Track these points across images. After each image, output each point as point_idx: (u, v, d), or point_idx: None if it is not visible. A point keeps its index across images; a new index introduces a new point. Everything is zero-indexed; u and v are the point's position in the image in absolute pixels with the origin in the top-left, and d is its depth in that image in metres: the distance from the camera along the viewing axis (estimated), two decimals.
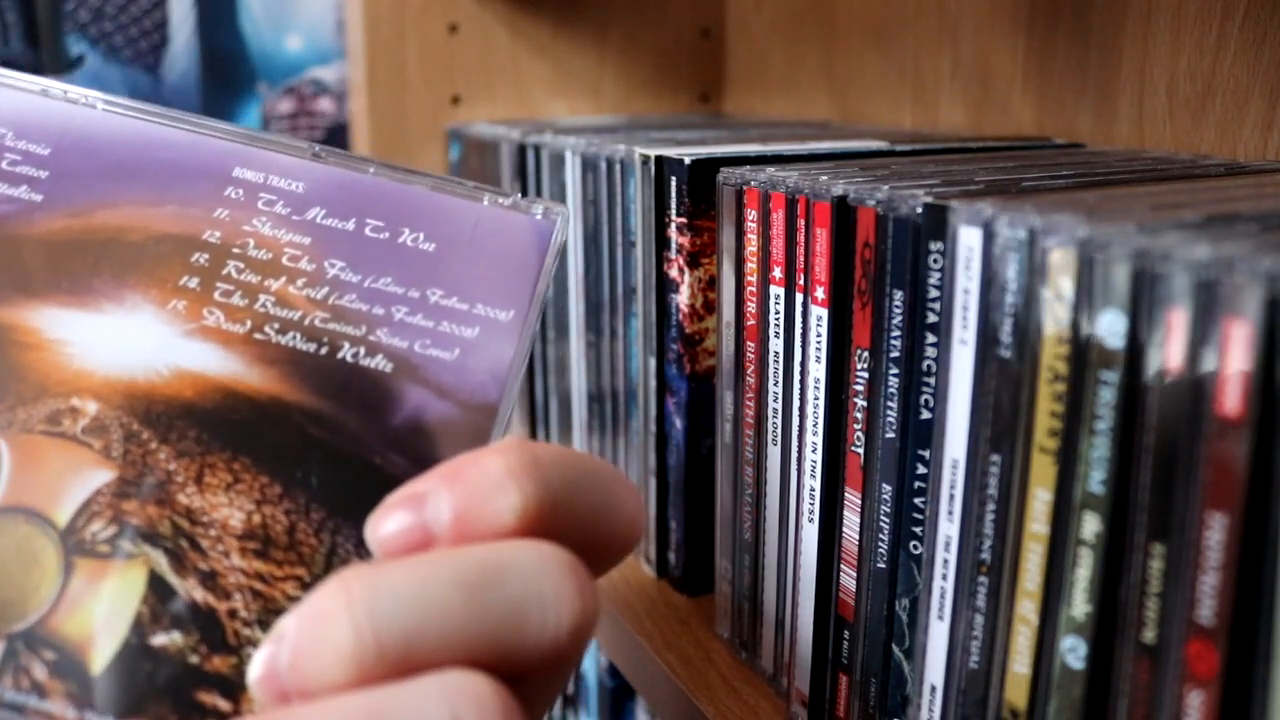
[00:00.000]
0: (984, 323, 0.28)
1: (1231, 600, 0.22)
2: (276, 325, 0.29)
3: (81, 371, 0.27)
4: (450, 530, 0.22)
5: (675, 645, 0.44)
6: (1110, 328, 0.24)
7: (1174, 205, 0.29)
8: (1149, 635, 0.24)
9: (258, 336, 0.28)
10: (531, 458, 0.23)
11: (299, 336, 0.29)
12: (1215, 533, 0.22)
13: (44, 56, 0.73)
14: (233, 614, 0.25)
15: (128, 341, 0.28)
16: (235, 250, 0.30)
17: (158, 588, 0.25)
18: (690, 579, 0.48)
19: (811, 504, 0.37)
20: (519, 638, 0.22)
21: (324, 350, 0.28)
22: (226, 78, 0.79)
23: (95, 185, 0.30)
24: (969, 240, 0.28)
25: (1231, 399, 0.22)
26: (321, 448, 0.27)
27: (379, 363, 0.28)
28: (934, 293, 0.30)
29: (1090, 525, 0.25)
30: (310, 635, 0.21)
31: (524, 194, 0.60)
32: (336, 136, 0.82)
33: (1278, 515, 0.21)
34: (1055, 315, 0.26)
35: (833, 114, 0.72)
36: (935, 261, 0.30)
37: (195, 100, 0.78)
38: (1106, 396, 0.24)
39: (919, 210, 0.31)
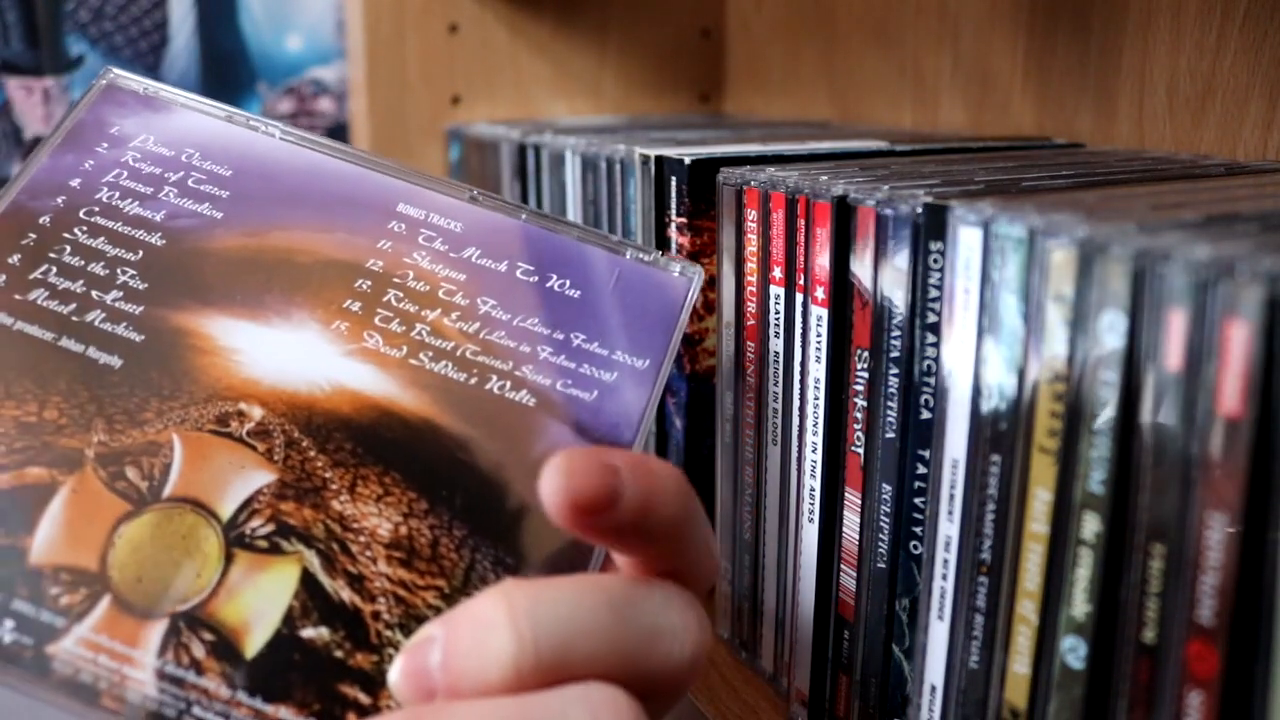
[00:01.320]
0: (984, 323, 0.28)
1: (1231, 600, 0.22)
2: (431, 353, 0.30)
3: (250, 379, 0.29)
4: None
5: None
6: (1110, 328, 0.24)
7: (1174, 205, 0.29)
8: (1149, 635, 0.24)
9: (413, 362, 0.30)
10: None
11: (451, 366, 0.30)
12: (1215, 533, 0.22)
13: (44, 56, 0.73)
14: (376, 616, 0.26)
15: (293, 355, 0.30)
16: (396, 280, 0.32)
17: (309, 585, 0.26)
18: None
19: (811, 504, 0.37)
20: (650, 660, 0.24)
21: (473, 381, 0.30)
22: (226, 78, 0.79)
23: (271, 208, 0.33)
24: (969, 240, 0.28)
25: (1231, 399, 0.22)
26: (467, 470, 0.29)
27: (523, 397, 0.30)
28: (934, 293, 0.30)
29: (1090, 525, 0.25)
30: (469, 638, 0.23)
31: (524, 199, 0.60)
32: (336, 136, 0.82)
33: (1278, 515, 0.21)
34: (1055, 315, 0.26)
35: (833, 114, 0.72)
36: (935, 261, 0.30)
37: None
38: (1106, 396, 0.24)
39: (919, 210, 0.31)
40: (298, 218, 0.32)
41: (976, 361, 0.28)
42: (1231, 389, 0.22)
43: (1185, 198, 0.30)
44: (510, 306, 0.32)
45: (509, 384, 0.30)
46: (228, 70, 0.79)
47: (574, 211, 0.54)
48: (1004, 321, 0.27)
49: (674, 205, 0.44)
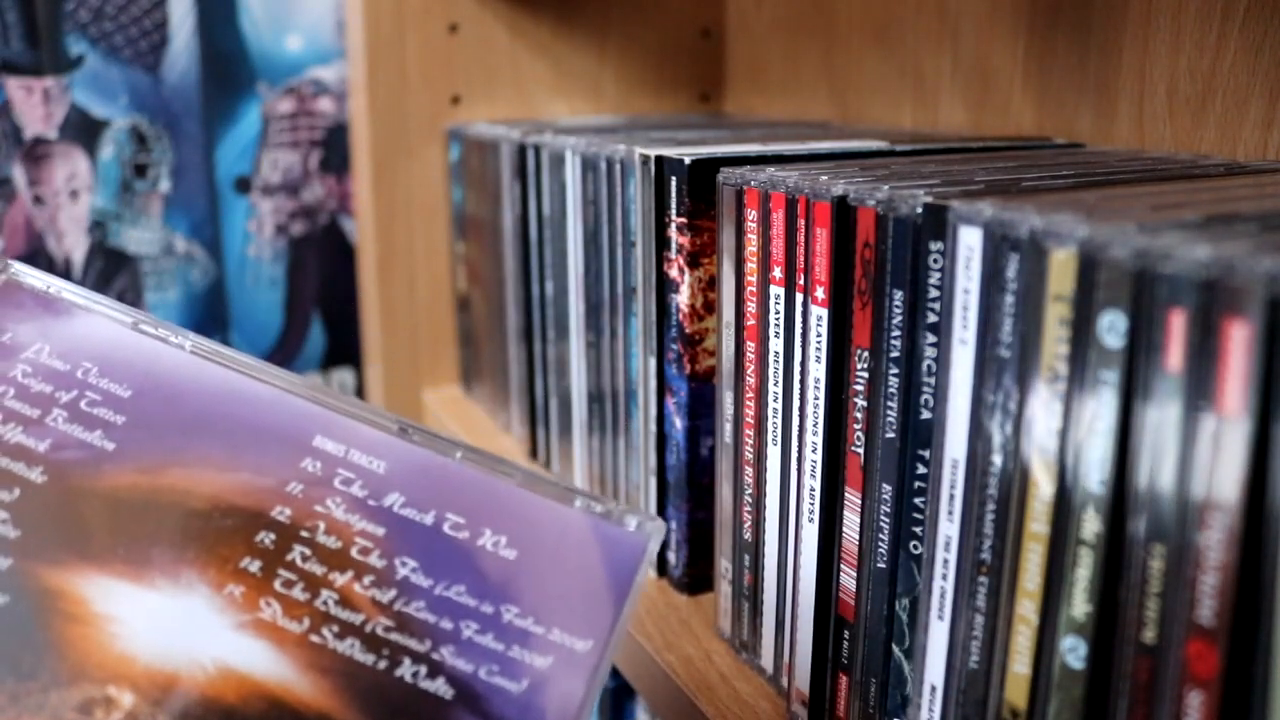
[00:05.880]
0: (984, 322, 0.28)
1: (1231, 600, 0.22)
2: (336, 628, 0.27)
3: (123, 657, 0.26)
4: None
5: (675, 645, 0.44)
6: (1110, 328, 0.24)
7: (1174, 205, 0.29)
8: (1149, 635, 0.24)
9: (314, 639, 0.27)
10: None
11: (358, 645, 0.27)
12: (1215, 533, 0.22)
13: (44, 56, 0.73)
14: None
15: (177, 626, 0.26)
16: (304, 534, 0.28)
17: None
18: (690, 579, 0.48)
19: (811, 504, 0.37)
20: None
21: (383, 665, 0.27)
22: (226, 78, 0.79)
23: (170, 438, 0.29)
24: (969, 240, 0.28)
25: (1231, 399, 0.22)
26: None
27: (439, 687, 0.26)
28: (934, 293, 0.30)
29: (1090, 525, 0.25)
30: None
31: (525, 199, 0.60)
32: (336, 136, 0.82)
33: (1278, 515, 0.21)
34: (1055, 315, 0.26)
35: (833, 114, 0.72)
36: (935, 261, 0.30)
37: (195, 100, 0.78)
38: (1106, 396, 0.24)
39: (919, 210, 0.31)
40: (199, 451, 0.29)
41: (976, 361, 0.28)
42: (1231, 389, 0.22)
43: (1185, 198, 0.30)
44: (433, 570, 0.28)
45: (424, 670, 0.26)
46: (228, 70, 0.79)
47: (574, 211, 0.54)
48: (1004, 321, 0.27)
49: (674, 205, 0.44)
